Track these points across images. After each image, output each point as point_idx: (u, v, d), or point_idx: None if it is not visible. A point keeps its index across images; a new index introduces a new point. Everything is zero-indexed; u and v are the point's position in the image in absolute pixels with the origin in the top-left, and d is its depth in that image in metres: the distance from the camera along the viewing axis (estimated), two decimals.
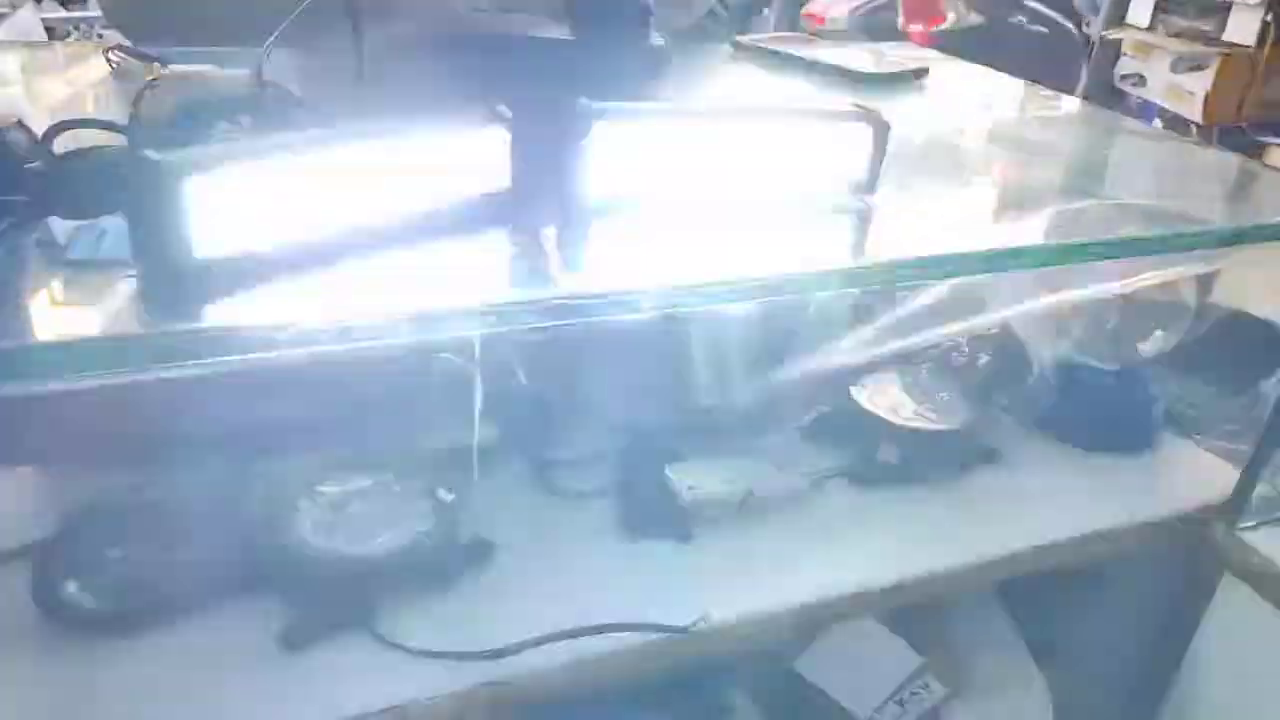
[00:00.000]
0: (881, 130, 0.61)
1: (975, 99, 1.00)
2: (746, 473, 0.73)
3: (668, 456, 0.72)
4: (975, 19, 3.23)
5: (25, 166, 0.48)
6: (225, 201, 0.44)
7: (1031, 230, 0.65)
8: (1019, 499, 0.80)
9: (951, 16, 3.34)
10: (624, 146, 0.56)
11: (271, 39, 0.57)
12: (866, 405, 0.79)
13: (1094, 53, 2.61)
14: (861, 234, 0.61)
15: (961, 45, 3.77)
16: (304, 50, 0.80)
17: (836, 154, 0.61)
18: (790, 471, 0.76)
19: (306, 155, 0.47)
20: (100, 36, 2.40)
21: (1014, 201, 0.69)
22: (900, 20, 3.64)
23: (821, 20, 4.37)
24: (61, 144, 0.52)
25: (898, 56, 1.04)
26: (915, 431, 0.78)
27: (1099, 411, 0.85)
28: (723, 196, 0.60)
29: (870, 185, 0.62)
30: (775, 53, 0.97)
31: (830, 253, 0.57)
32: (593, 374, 0.76)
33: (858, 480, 0.78)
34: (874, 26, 3.91)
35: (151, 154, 0.43)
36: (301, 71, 0.78)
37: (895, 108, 0.88)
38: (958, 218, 0.64)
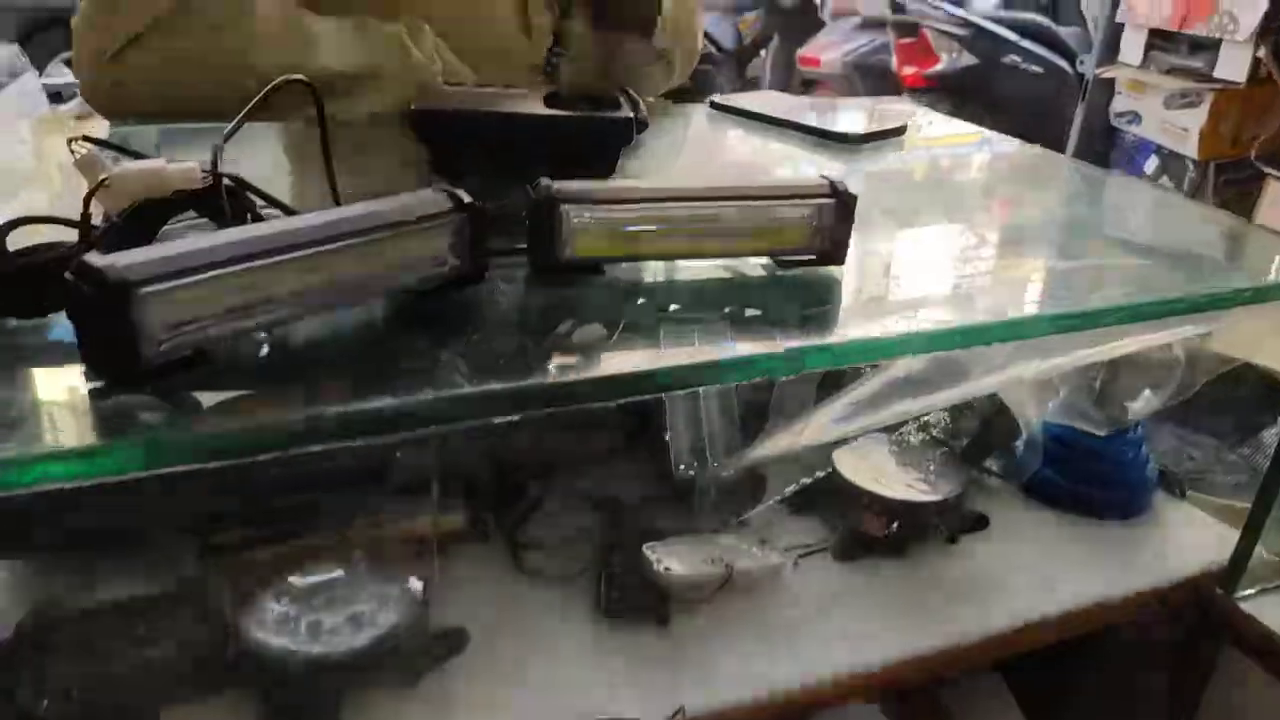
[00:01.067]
0: (847, 202, 0.60)
1: (956, 157, 0.99)
2: (727, 551, 0.71)
3: (645, 535, 0.71)
4: (968, 60, 3.26)
5: None
6: (170, 301, 0.43)
7: (1011, 301, 0.63)
8: (1011, 570, 0.78)
9: (945, 59, 3.37)
10: (585, 226, 0.56)
11: (231, 128, 0.56)
12: (849, 476, 0.77)
13: (1088, 91, 2.61)
14: (832, 310, 0.59)
15: (956, 87, 3.80)
16: (270, 135, 0.80)
17: (803, 226, 0.60)
18: (772, 547, 0.74)
19: (257, 247, 0.46)
20: None
21: (992, 269, 0.68)
22: (894, 63, 3.67)
23: (816, 63, 4.42)
24: (18, 239, 0.51)
25: (881, 112, 1.04)
26: (901, 503, 0.76)
27: (1089, 475, 0.83)
28: (684, 275, 0.59)
29: (838, 257, 0.61)
30: (751, 113, 0.97)
31: (797, 333, 0.56)
32: (566, 450, 0.74)
33: (843, 554, 0.77)
34: (868, 70, 3.95)
35: (92, 259, 0.42)
36: (271, 158, 0.78)
37: (871, 170, 0.88)
38: (931, 289, 0.63)
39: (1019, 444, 0.84)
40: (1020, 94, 2.99)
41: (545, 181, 0.55)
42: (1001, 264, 0.69)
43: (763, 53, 5.06)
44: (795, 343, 0.52)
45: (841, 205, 0.60)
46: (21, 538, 0.62)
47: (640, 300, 0.57)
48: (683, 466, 0.74)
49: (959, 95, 3.22)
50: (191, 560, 0.63)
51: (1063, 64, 2.99)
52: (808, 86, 4.31)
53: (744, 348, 0.51)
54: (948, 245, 0.71)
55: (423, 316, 0.52)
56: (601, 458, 0.77)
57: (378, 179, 0.66)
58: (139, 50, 0.77)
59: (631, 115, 0.73)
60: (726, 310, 0.56)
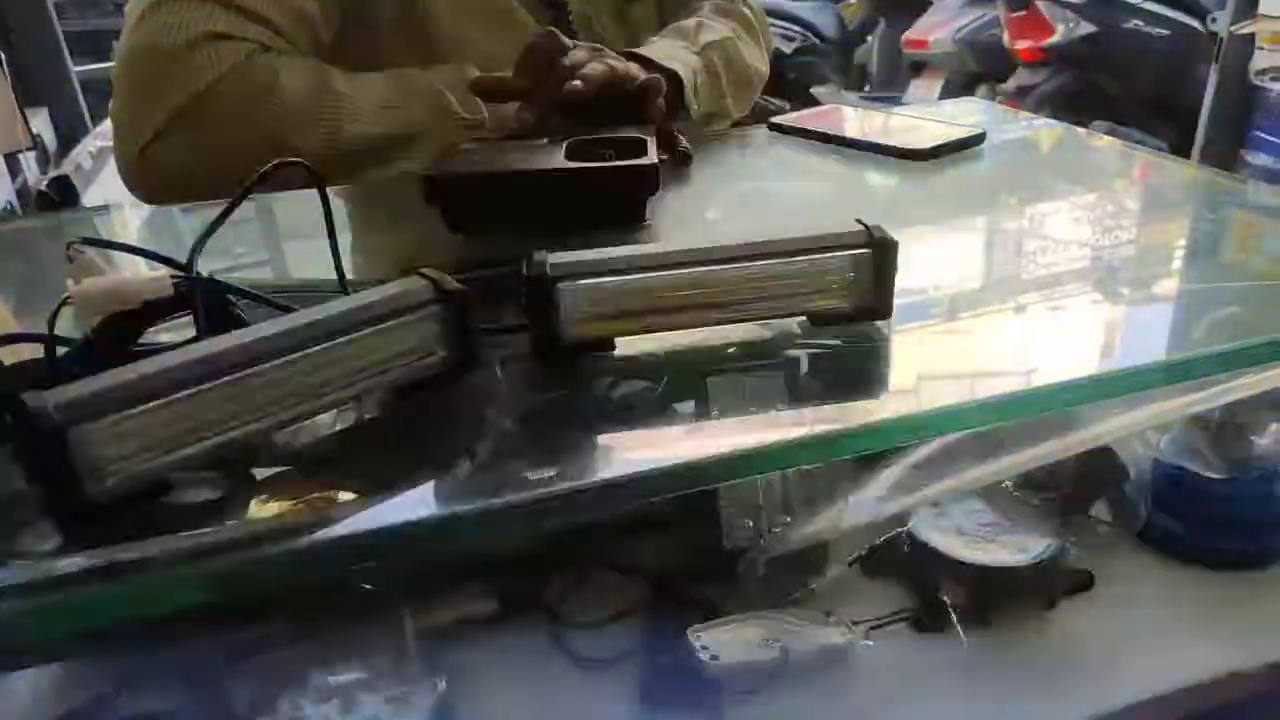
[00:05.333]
0: (888, 249, 0.53)
1: (1039, 173, 0.89)
2: (784, 630, 0.64)
3: (693, 613, 0.65)
4: (1086, 29, 3.03)
5: None
6: (111, 436, 0.41)
7: (1092, 353, 0.55)
8: (1123, 637, 0.68)
9: (1060, 29, 3.15)
10: (586, 303, 0.51)
11: (206, 232, 0.54)
12: (926, 536, 0.69)
13: (1222, 50, 2.39)
14: (878, 377, 0.52)
15: (1075, 58, 3.55)
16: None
17: (836, 282, 0.53)
18: (839, 621, 0.67)
19: (211, 366, 0.43)
20: None
21: (1082, 311, 0.59)
22: (1006, 38, 3.47)
23: (924, 45, 4.23)
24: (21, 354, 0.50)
25: (955, 118, 0.94)
26: (988, 566, 0.68)
27: (1213, 520, 0.72)
28: (706, 339, 0.53)
29: (881, 312, 0.54)
30: (810, 132, 0.89)
31: (837, 410, 0.49)
32: (608, 522, 0.69)
33: (922, 626, 0.68)
34: (979, 48, 3.75)
35: (28, 396, 0.40)
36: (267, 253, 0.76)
37: (935, 192, 0.79)
38: (1001, 342, 0.55)
39: (1126, 486, 0.74)
40: (1146, 60, 2.76)
41: (539, 256, 0.50)
42: (1090, 303, 0.60)
43: (869, 38, 4.88)
44: (824, 426, 0.46)
45: (880, 254, 0.53)
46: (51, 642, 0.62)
47: (652, 381, 0.51)
48: (736, 534, 0.68)
49: (1079, 67, 3.01)
50: (214, 659, 0.61)
51: (1192, 23, 2.74)
52: (916, 70, 4.13)
53: (764, 436, 0.45)
54: (1026, 282, 0.62)
55: (415, 416, 0.48)
56: (648, 527, 0.71)
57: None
58: (166, 142, 0.76)
59: (655, 162, 0.67)
60: (746, 387, 0.50)
